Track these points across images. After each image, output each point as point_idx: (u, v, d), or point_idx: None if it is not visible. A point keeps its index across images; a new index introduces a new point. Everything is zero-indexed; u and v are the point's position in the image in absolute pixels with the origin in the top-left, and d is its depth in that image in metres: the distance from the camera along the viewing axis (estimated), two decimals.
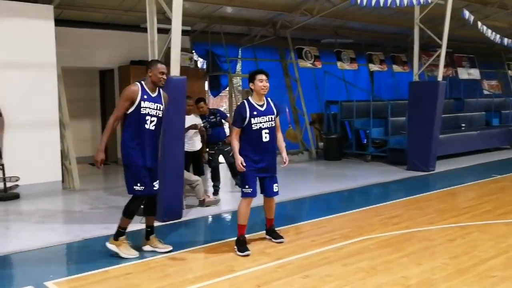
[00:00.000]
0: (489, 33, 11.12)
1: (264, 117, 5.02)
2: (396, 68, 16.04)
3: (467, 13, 10.35)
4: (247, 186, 5.02)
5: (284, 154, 5.29)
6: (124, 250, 4.95)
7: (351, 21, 13.20)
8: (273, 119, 5.09)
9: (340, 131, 12.54)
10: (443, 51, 9.91)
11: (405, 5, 9.07)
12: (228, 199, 7.56)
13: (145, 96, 4.89)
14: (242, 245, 5.03)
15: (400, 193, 8.43)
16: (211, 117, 7.70)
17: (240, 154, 5.03)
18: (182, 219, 6.45)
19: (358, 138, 12.76)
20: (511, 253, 4.96)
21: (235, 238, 5.14)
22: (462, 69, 18.00)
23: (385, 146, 11.71)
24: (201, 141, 7.52)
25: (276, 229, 5.52)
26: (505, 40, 11.93)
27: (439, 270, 4.53)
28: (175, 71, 6.16)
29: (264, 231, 5.54)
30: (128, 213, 4.99)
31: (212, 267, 4.69)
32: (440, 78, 10.07)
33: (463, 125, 13.76)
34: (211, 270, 4.59)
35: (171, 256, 5.02)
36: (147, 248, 5.18)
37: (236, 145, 5.05)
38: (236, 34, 12.97)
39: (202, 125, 7.49)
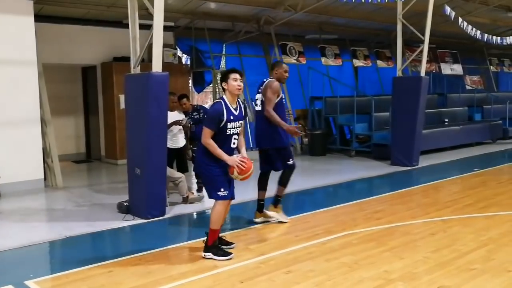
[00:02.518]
0: (469, 29, 11.23)
1: (237, 122, 4.70)
2: (380, 63, 16.09)
3: (448, 9, 10.45)
4: (222, 189, 4.67)
5: (244, 151, 4.89)
6: (282, 215, 6.02)
7: (335, 16, 13.25)
8: (242, 124, 4.81)
9: (324, 127, 12.60)
10: (426, 46, 9.99)
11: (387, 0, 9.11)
12: None
13: None
14: (220, 249, 4.81)
15: (383, 188, 8.48)
16: (195, 113, 7.64)
17: (204, 159, 4.70)
18: (166, 216, 6.42)
19: (342, 133, 12.84)
20: (491, 246, 5.04)
21: (207, 246, 4.79)
22: (445, 64, 18.13)
23: (369, 142, 11.80)
24: (185, 138, 7.49)
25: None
26: (485, 36, 12.06)
27: (421, 263, 4.58)
28: (157, 67, 6.12)
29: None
30: (285, 182, 5.97)
31: (195, 264, 4.68)
32: (423, 74, 10.16)
33: (446, 120, 13.89)
34: (194, 267, 4.58)
35: (154, 253, 5.00)
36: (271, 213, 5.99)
37: (213, 145, 4.58)
38: (220, 30, 12.93)
39: (186, 121, 7.44)
